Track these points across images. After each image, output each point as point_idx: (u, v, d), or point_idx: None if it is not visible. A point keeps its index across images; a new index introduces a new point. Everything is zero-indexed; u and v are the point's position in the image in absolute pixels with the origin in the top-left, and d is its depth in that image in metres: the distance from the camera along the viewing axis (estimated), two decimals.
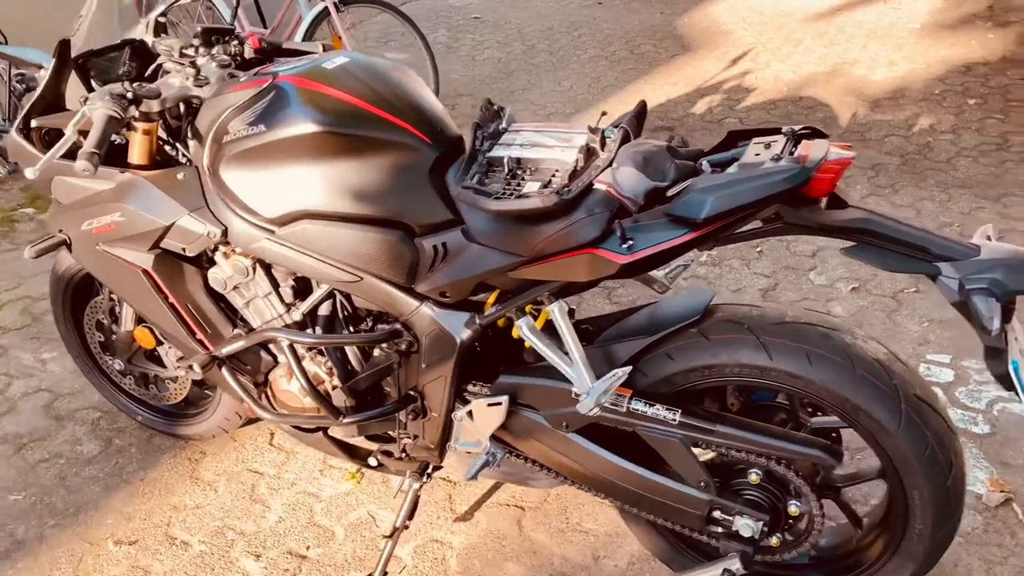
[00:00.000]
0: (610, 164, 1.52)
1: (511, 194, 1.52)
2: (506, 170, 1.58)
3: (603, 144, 1.59)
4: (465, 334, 1.69)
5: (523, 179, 1.56)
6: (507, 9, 7.27)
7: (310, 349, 1.87)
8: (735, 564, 1.60)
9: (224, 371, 1.89)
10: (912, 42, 5.70)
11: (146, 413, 2.50)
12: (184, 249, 1.80)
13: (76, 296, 2.40)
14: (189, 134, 1.86)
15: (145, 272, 1.86)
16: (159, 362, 2.32)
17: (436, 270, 1.66)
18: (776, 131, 1.50)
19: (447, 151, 1.67)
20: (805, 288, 3.07)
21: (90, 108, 1.67)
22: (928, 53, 5.46)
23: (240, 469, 2.42)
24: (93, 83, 1.93)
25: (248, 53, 1.99)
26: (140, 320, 2.22)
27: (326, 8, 4.13)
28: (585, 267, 1.49)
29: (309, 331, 1.83)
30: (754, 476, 1.61)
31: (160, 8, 1.96)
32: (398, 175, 1.64)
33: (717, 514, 1.63)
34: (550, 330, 1.65)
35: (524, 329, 1.64)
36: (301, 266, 1.71)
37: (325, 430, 1.96)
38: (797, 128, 1.46)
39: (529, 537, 2.15)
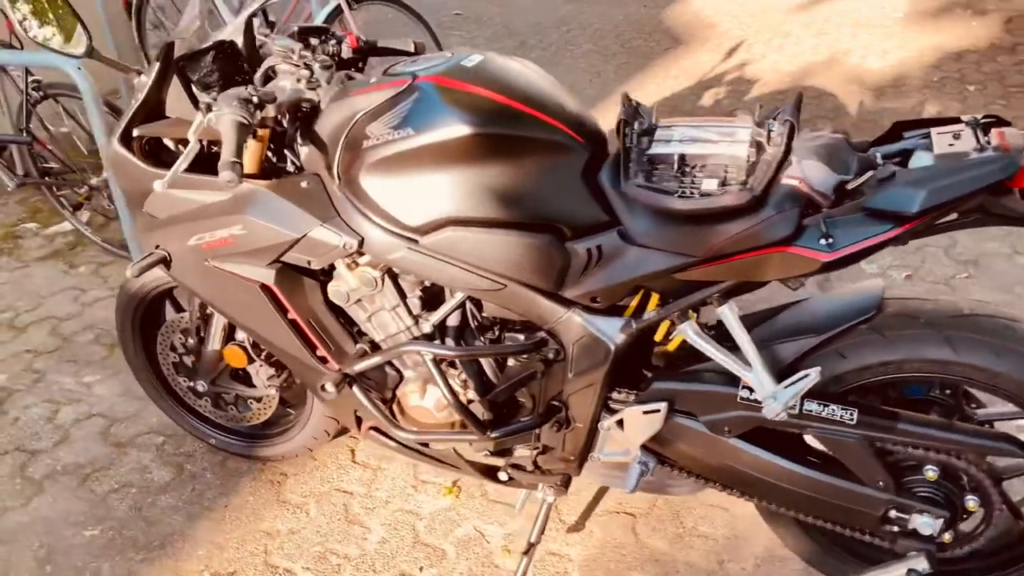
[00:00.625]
0: (786, 157, 1.47)
1: (690, 192, 1.46)
2: (675, 167, 1.52)
3: (768, 138, 1.53)
4: (620, 340, 1.63)
5: (695, 176, 1.50)
6: (487, 5, 7.18)
7: (448, 363, 1.78)
8: (921, 564, 1.57)
9: (356, 389, 1.78)
10: (899, 31, 5.80)
11: (220, 435, 2.38)
12: (310, 262, 1.70)
13: (146, 318, 2.26)
14: (302, 140, 1.76)
15: (264, 287, 1.75)
16: (244, 381, 2.20)
17: (589, 274, 1.59)
18: (953, 120, 1.47)
19: (597, 150, 1.61)
20: (858, 276, 3.08)
21: (216, 115, 1.56)
22: (917, 41, 5.56)
23: (328, 489, 2.31)
24: (194, 88, 1.81)
25: (346, 53, 1.89)
26: (229, 338, 2.09)
27: (339, 5, 4.00)
28: (777, 266, 1.43)
29: (451, 343, 1.74)
30: (931, 473, 1.57)
31: (254, 6, 1.84)
32: (551, 176, 1.57)
33: (893, 514, 1.60)
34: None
35: (691, 333, 1.58)
36: (441, 276, 1.63)
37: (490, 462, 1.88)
38: (980, 117, 1.44)
39: (647, 544, 2.10)
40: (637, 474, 1.71)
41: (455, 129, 1.51)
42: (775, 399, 1.52)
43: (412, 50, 1.98)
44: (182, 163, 1.59)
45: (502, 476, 1.90)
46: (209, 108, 1.60)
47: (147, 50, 4.74)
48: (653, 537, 2.11)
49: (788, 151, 1.48)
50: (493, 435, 1.72)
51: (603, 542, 2.11)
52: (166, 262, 1.84)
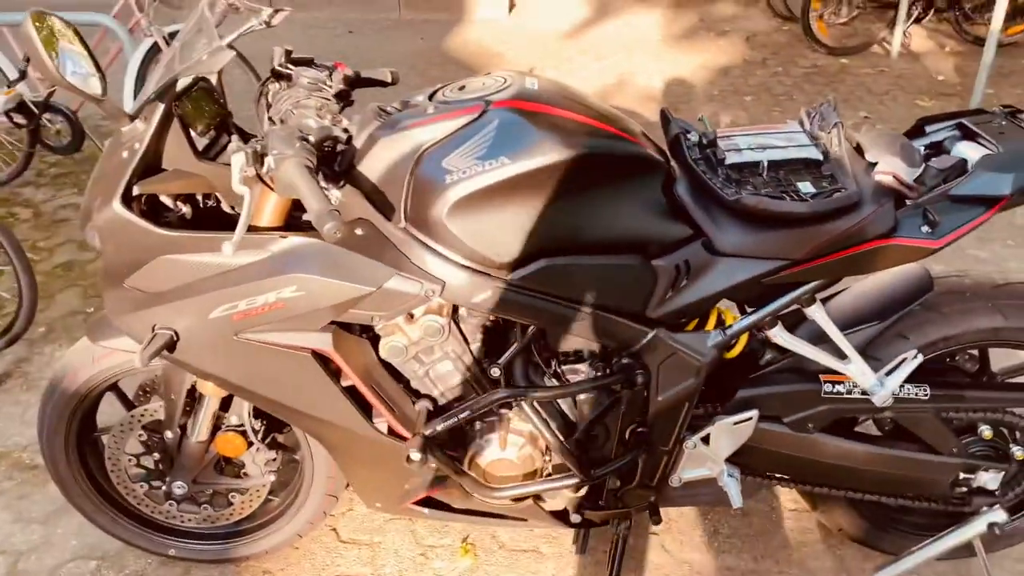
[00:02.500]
0: (862, 155, 1.55)
1: (792, 195, 1.49)
2: (765, 174, 1.54)
3: (828, 140, 1.60)
4: (710, 355, 1.61)
5: (788, 179, 1.53)
6: (253, 40, 6.79)
7: (531, 406, 1.64)
8: (999, 515, 1.70)
9: (438, 455, 1.58)
10: (664, 52, 6.36)
11: (183, 543, 2.00)
12: (374, 318, 1.50)
13: (83, 419, 1.86)
14: (333, 184, 1.55)
15: (317, 355, 1.50)
16: (231, 473, 1.87)
17: (676, 291, 1.56)
18: (975, 112, 1.63)
19: (668, 164, 1.58)
20: None
21: (277, 159, 1.32)
22: (683, 61, 6.13)
23: None
24: (193, 134, 1.52)
25: (338, 85, 1.70)
26: (216, 428, 1.78)
27: (156, 44, 3.57)
28: (884, 258, 1.50)
29: (544, 385, 1.62)
30: (986, 431, 1.72)
31: (231, 36, 1.57)
32: (637, 193, 1.52)
33: (962, 476, 1.73)
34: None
35: (783, 336, 1.61)
36: (526, 312, 1.51)
37: (537, 497, 1.73)
38: (1002, 107, 1.61)
39: (684, 558, 2.09)
40: (735, 485, 1.69)
41: (554, 154, 1.42)
42: (882, 386, 1.58)
43: (390, 80, 1.83)
44: (247, 215, 1.33)
45: (574, 518, 1.79)
46: (255, 154, 1.36)
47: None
48: (685, 550, 2.10)
49: (861, 149, 1.56)
50: (598, 473, 1.62)
51: (642, 566, 2.06)
52: (171, 344, 1.52)
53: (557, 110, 1.47)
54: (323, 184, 1.54)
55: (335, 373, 1.56)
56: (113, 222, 1.43)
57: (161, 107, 1.43)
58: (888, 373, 1.59)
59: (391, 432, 1.60)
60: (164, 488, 1.85)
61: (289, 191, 1.32)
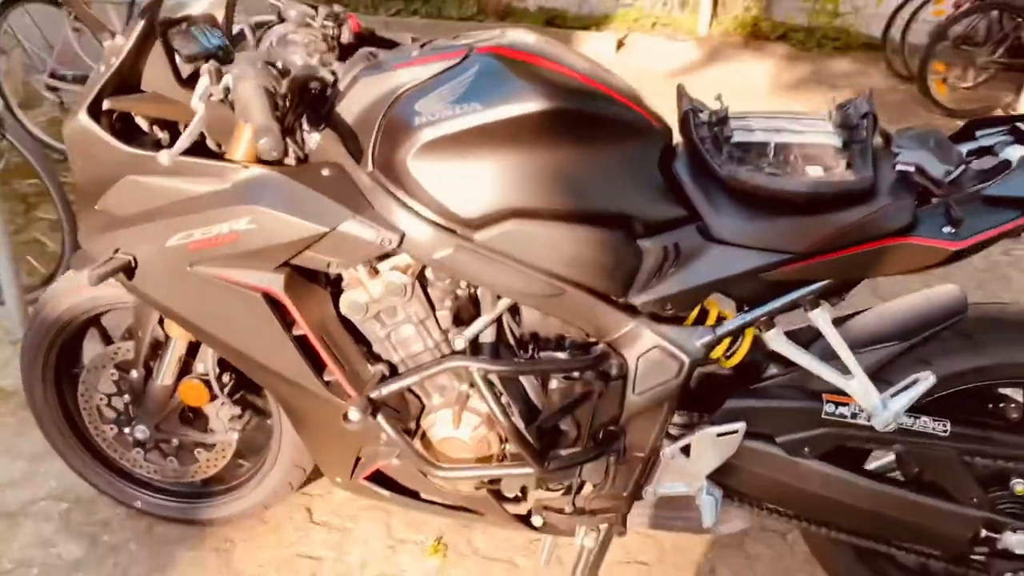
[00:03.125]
0: (888, 144, 1.38)
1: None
2: (772, 155, 1.38)
3: (854, 128, 1.43)
4: (696, 352, 1.44)
5: (796, 164, 1.37)
6: None
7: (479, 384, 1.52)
8: None
9: (381, 418, 1.48)
10: (771, 101, 6.16)
11: (149, 496, 1.95)
12: (330, 264, 1.41)
13: (62, 354, 1.84)
14: (310, 126, 1.49)
15: (268, 296, 1.43)
16: (197, 425, 1.82)
17: (662, 277, 1.42)
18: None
19: (669, 139, 1.45)
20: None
21: (237, 77, 1.27)
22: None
23: (289, 555, 1.94)
24: (177, 59, 1.49)
25: (347, 37, 1.64)
26: (184, 372, 1.72)
27: None
28: (896, 258, 1.32)
29: (504, 359, 1.49)
30: (1020, 486, 1.48)
31: None
32: (627, 162, 1.40)
33: (984, 533, 1.49)
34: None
35: (780, 342, 1.44)
36: (493, 279, 1.39)
37: (495, 490, 1.60)
38: None
39: None
40: (712, 505, 1.51)
41: (531, 103, 1.31)
42: (885, 408, 1.38)
43: (410, 43, 1.76)
44: (194, 129, 1.28)
45: (536, 521, 1.64)
46: (219, 72, 1.31)
47: None
48: None
49: (888, 139, 1.39)
50: (552, 466, 1.47)
51: None
52: (129, 269, 1.48)
53: (545, 62, 1.37)
54: (305, 127, 1.49)
55: (288, 321, 1.47)
56: (78, 133, 1.41)
57: (141, 23, 1.40)
58: (895, 395, 1.39)
59: (339, 391, 1.50)
60: (129, 431, 1.80)
61: (243, 113, 1.26)
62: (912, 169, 1.31)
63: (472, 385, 1.52)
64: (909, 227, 1.30)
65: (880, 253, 1.32)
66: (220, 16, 1.63)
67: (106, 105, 1.42)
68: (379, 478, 1.69)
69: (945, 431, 1.44)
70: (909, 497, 1.49)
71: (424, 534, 2.00)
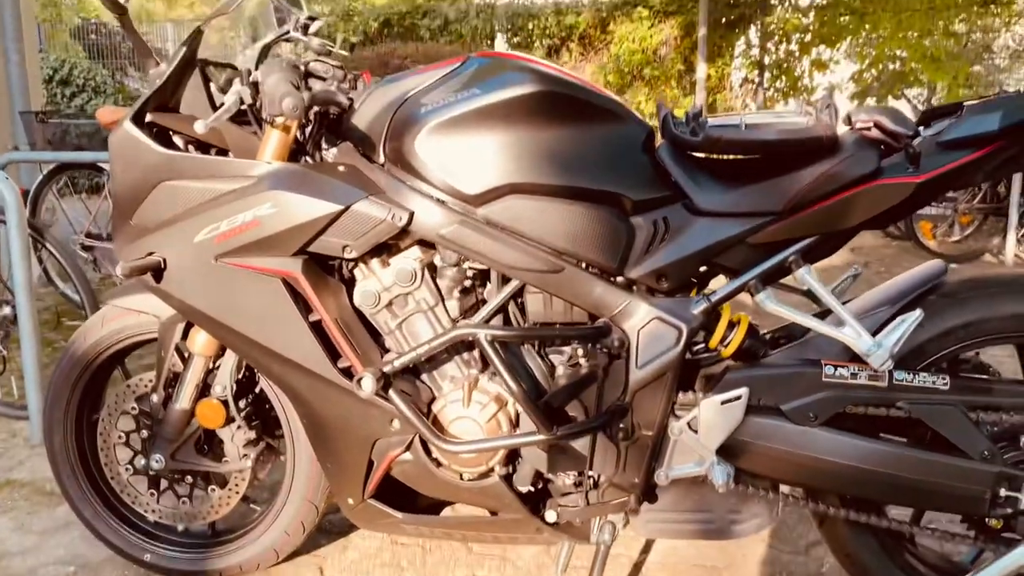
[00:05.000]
0: (848, 121, 1.52)
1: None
2: (743, 128, 1.52)
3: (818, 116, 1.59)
4: (694, 321, 1.51)
5: (765, 129, 1.50)
6: None
7: (485, 369, 1.58)
8: None
9: (392, 393, 1.52)
10: None
11: (159, 548, 1.92)
12: (346, 248, 1.52)
13: (84, 399, 1.90)
14: (327, 144, 1.67)
15: (287, 281, 1.53)
16: (211, 456, 1.83)
17: (654, 251, 1.52)
18: (982, 99, 1.59)
19: (651, 131, 1.60)
20: None
21: (265, 72, 1.46)
22: None
23: None
24: (213, 90, 1.69)
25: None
26: (203, 393, 1.77)
27: None
28: (866, 203, 1.42)
29: (513, 325, 1.56)
30: None
31: (270, 36, 1.78)
32: (615, 145, 1.54)
33: (1003, 491, 1.46)
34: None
35: (770, 303, 1.50)
36: (496, 254, 1.50)
37: (507, 477, 1.60)
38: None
39: None
40: (725, 476, 1.50)
41: (526, 86, 1.48)
42: (879, 347, 1.42)
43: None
44: (226, 111, 1.45)
45: (550, 516, 1.61)
46: (249, 72, 1.50)
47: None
48: None
49: (849, 116, 1.54)
50: (559, 432, 1.49)
51: None
52: (158, 271, 1.59)
53: (538, 63, 1.56)
54: (323, 147, 1.66)
55: (305, 309, 1.56)
56: (122, 138, 1.57)
57: (183, 51, 1.61)
58: (887, 334, 1.43)
59: (353, 376, 1.55)
60: (144, 462, 1.82)
61: (271, 104, 1.44)
62: (871, 125, 1.45)
63: (482, 368, 1.58)
64: (875, 172, 1.42)
65: (853, 200, 1.43)
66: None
67: (148, 118, 1.59)
68: (389, 499, 1.69)
69: (946, 385, 1.47)
70: (920, 456, 1.48)
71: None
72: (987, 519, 1.51)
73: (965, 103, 1.56)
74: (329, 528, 2.15)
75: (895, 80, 8.93)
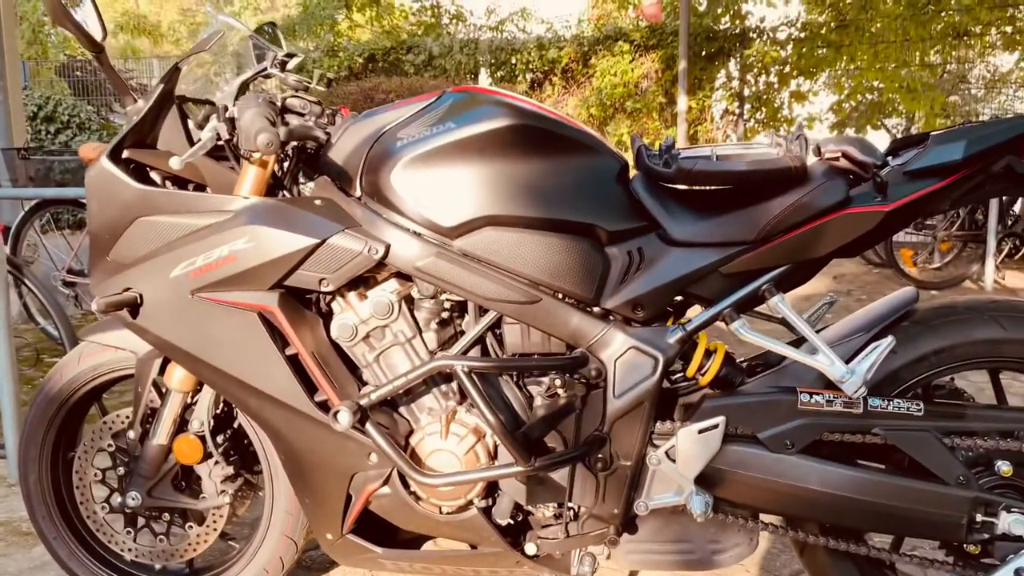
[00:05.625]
0: (818, 151, 1.55)
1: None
2: (714, 159, 1.55)
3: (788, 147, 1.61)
4: (669, 350, 1.52)
5: (735, 160, 1.53)
6: None
7: (463, 401, 1.58)
8: None
9: (369, 426, 1.51)
10: None
11: None
12: (323, 282, 1.52)
13: (59, 438, 1.89)
14: (304, 178, 1.68)
15: (263, 315, 1.53)
16: (188, 493, 1.82)
17: (629, 280, 1.54)
18: (950, 128, 1.62)
19: (626, 164, 1.62)
20: None
21: (241, 108, 1.47)
22: None
23: None
24: (191, 126, 1.70)
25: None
26: (180, 429, 1.76)
27: None
28: (838, 231, 1.44)
29: (490, 356, 1.56)
30: (1005, 467, 1.49)
31: (250, 72, 1.80)
32: (589, 177, 1.56)
33: (980, 517, 1.47)
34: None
35: (744, 331, 1.51)
36: (472, 286, 1.50)
37: (486, 510, 1.59)
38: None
39: None
40: (703, 504, 1.50)
41: (500, 120, 1.50)
42: (852, 373, 1.44)
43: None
44: (202, 146, 1.46)
45: (530, 549, 1.60)
46: (225, 108, 1.52)
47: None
48: None
49: (818, 147, 1.56)
50: (537, 463, 1.48)
51: None
52: (135, 306, 1.59)
53: (513, 96, 1.58)
54: (300, 181, 1.68)
55: (282, 342, 1.56)
56: (99, 174, 1.58)
57: (160, 88, 1.63)
58: (860, 361, 1.45)
59: (329, 410, 1.55)
60: (121, 500, 1.80)
61: (247, 139, 1.45)
62: (839, 156, 1.48)
63: (460, 400, 1.58)
64: (844, 202, 1.44)
65: (822, 229, 1.45)
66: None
67: (125, 154, 1.60)
68: (369, 534, 1.68)
69: (919, 411, 1.48)
70: (897, 482, 1.48)
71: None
72: (965, 545, 1.51)
73: (932, 133, 1.59)
74: (310, 564, 2.13)
75: (873, 110, 9.06)
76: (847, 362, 1.48)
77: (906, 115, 9.94)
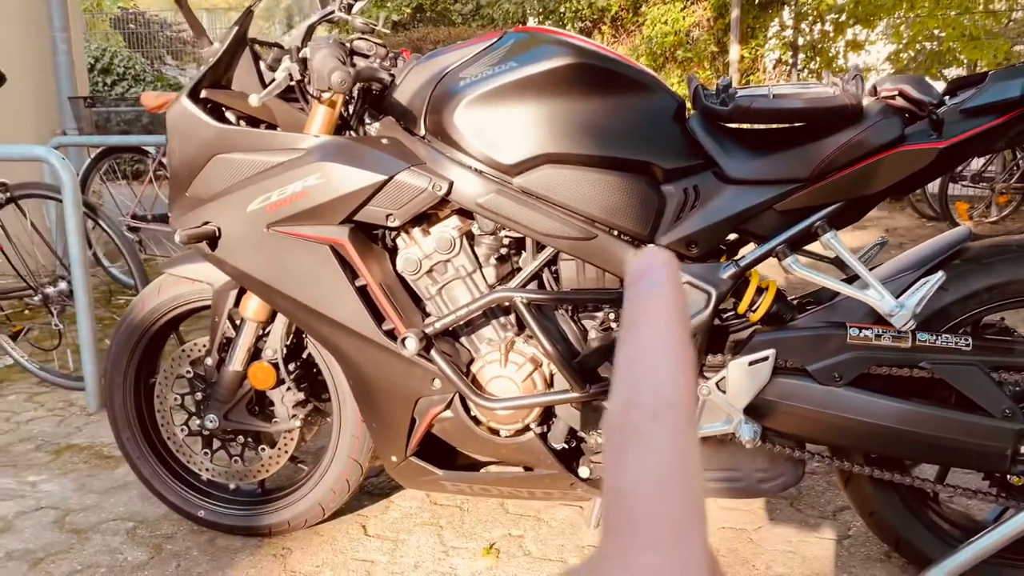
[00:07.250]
0: (875, 90, 1.57)
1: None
2: (771, 97, 1.58)
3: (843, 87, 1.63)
4: (722, 286, 1.57)
5: (792, 98, 1.56)
6: None
7: (521, 332, 1.65)
8: None
9: (434, 353, 1.60)
10: None
11: (213, 505, 2.03)
12: (389, 217, 1.60)
13: (141, 365, 2.01)
14: (370, 119, 1.75)
15: (334, 248, 1.61)
16: (262, 417, 1.94)
17: (684, 218, 1.58)
18: (1011, 66, 1.62)
19: (683, 103, 1.66)
20: None
21: (313, 49, 1.54)
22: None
23: (344, 559, 1.97)
24: (262, 66, 1.78)
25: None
26: (254, 357, 1.87)
27: None
28: (890, 169, 1.47)
29: (547, 289, 1.64)
30: None
31: (315, 17, 1.86)
32: (646, 116, 1.60)
33: (1023, 448, 1.51)
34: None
35: (797, 267, 1.56)
36: (531, 222, 1.57)
37: (542, 435, 1.68)
38: None
39: None
40: (752, 433, 1.56)
41: (561, 59, 1.55)
42: (902, 307, 1.48)
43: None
44: (276, 86, 1.54)
45: (583, 472, 1.69)
46: (298, 49, 1.58)
47: None
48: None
49: (875, 86, 1.59)
50: (591, 390, 1.56)
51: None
52: (213, 239, 1.69)
53: (573, 36, 1.62)
54: (367, 121, 1.74)
55: (352, 274, 1.65)
56: (179, 114, 1.67)
57: (235, 30, 1.70)
58: (910, 295, 1.48)
59: (396, 338, 1.64)
60: (199, 423, 1.93)
61: (320, 78, 1.52)
62: (895, 94, 1.50)
63: (518, 331, 1.65)
64: (899, 139, 1.47)
65: (876, 166, 1.48)
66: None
67: (202, 95, 1.69)
68: (431, 457, 1.78)
69: (968, 345, 1.52)
70: (943, 414, 1.53)
71: (476, 542, 2.03)
72: (1009, 476, 1.55)
73: (990, 72, 1.60)
74: (372, 490, 2.25)
75: (933, 60, 8.80)
76: (897, 297, 1.52)
77: (967, 65, 9.64)
